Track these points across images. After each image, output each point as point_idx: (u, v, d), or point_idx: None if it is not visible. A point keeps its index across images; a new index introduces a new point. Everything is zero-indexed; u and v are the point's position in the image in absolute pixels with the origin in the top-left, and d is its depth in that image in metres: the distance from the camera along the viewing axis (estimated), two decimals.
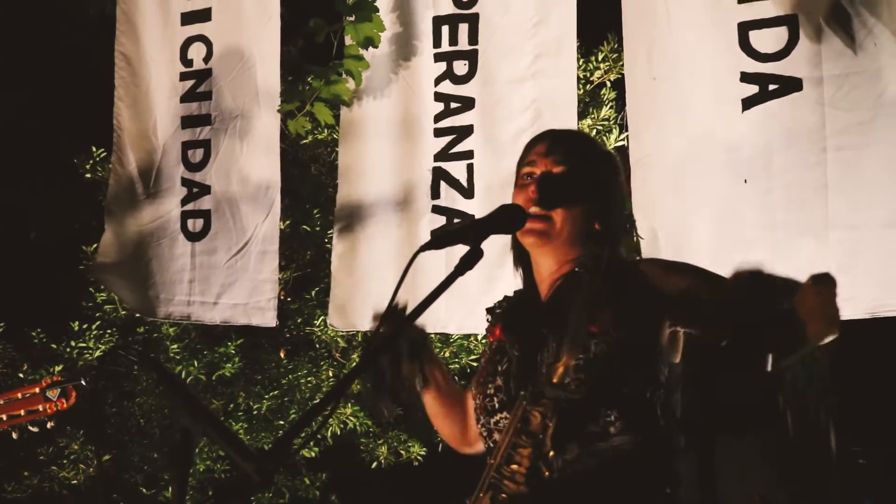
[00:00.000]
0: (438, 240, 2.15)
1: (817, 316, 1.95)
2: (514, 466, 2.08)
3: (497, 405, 2.29)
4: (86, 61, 5.60)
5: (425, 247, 2.11)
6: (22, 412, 2.91)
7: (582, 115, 5.63)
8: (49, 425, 2.98)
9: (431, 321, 3.60)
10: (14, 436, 3.08)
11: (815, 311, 1.94)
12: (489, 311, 2.58)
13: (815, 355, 1.91)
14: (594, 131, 5.45)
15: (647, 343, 2.19)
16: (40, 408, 2.91)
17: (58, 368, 5.54)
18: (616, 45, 5.34)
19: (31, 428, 2.99)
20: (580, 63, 5.71)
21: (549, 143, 2.40)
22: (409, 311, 2.16)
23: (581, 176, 2.35)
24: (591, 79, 5.64)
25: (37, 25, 6.07)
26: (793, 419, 2.23)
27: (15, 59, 6.09)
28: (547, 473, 2.07)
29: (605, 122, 5.40)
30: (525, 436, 2.10)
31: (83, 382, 3.02)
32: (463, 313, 3.66)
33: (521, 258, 2.45)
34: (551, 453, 2.08)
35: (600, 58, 5.46)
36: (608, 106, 5.36)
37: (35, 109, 6.01)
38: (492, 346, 2.44)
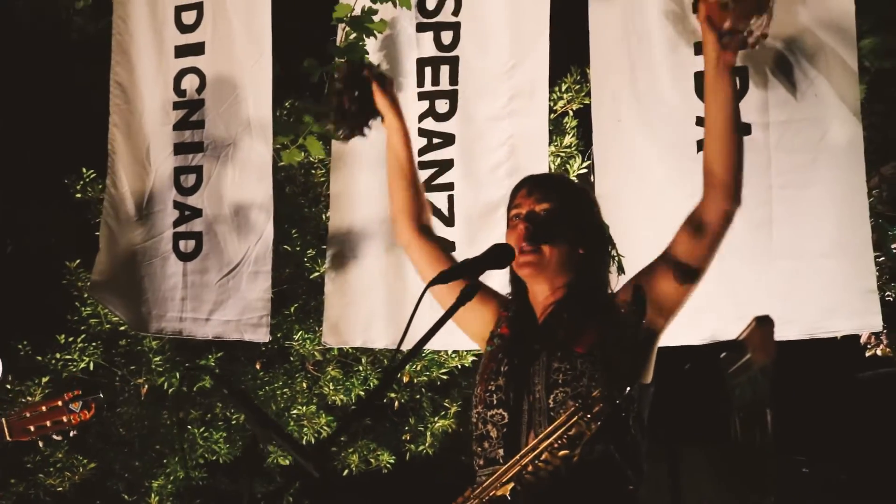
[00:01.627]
0: (442, 276, 2.47)
1: (760, 347, 2.36)
2: (545, 465, 2.41)
3: (495, 402, 2.63)
4: (70, 83, 5.83)
5: (433, 282, 2.44)
6: (48, 423, 3.14)
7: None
8: (72, 434, 3.24)
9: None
10: (41, 444, 3.34)
11: (757, 343, 2.36)
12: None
13: (757, 377, 2.32)
14: (558, 158, 5.81)
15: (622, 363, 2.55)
16: (64, 419, 3.15)
17: (44, 380, 5.76)
18: (578, 76, 5.70)
19: (55, 437, 3.24)
20: None
21: (529, 186, 2.77)
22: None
23: (562, 211, 2.71)
24: (555, 108, 5.99)
25: (19, 47, 6.28)
26: (738, 431, 2.59)
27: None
28: (562, 472, 2.41)
29: (568, 149, 5.76)
30: (566, 439, 2.41)
31: (101, 395, 3.27)
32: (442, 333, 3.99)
33: (516, 284, 2.79)
34: (576, 457, 2.40)
35: (563, 88, 5.81)
36: (570, 134, 5.71)
37: (23, 129, 6.22)
38: (498, 339, 2.76)
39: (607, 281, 2.78)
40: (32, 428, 3.15)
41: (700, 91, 3.63)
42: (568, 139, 5.74)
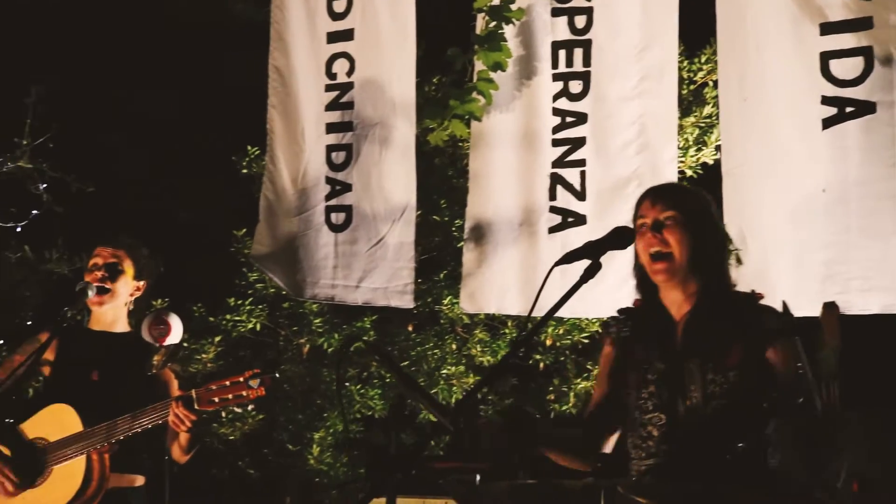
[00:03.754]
0: (567, 256, 2.70)
1: (831, 329, 2.55)
2: None
3: (651, 407, 2.88)
4: (241, 69, 6.25)
5: (558, 262, 2.67)
6: (230, 396, 3.49)
7: (686, 113, 6.08)
8: (250, 408, 3.59)
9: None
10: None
11: (828, 325, 2.55)
12: (614, 320, 3.10)
13: (829, 355, 2.53)
14: (697, 129, 5.90)
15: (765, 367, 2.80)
16: (243, 394, 3.47)
17: (217, 339, 6.25)
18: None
19: (236, 409, 3.60)
20: (684, 64, 6.16)
21: (652, 196, 2.97)
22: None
23: (685, 217, 2.90)
24: (695, 79, 6.06)
25: (189, 36, 6.74)
26: (817, 403, 2.78)
27: (171, 66, 6.79)
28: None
29: (708, 119, 5.83)
30: None
31: (276, 375, 3.60)
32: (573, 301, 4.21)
33: (645, 288, 3.00)
34: None
35: (703, 59, 5.87)
36: (711, 104, 5.77)
37: (195, 111, 6.71)
38: (626, 351, 3.00)
39: (731, 278, 2.97)
40: (217, 399, 3.48)
41: (825, 71, 3.74)
42: (708, 109, 5.80)
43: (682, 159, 5.83)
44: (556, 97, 4.36)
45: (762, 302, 2.89)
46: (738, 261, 3.41)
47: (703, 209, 2.98)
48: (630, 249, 2.97)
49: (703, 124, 5.84)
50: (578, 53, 4.30)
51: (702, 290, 2.91)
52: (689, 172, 5.88)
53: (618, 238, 2.77)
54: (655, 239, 2.89)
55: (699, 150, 5.83)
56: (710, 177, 4.07)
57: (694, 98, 6.03)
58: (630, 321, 3.04)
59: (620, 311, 3.07)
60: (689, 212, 2.92)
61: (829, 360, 2.49)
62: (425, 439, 2.57)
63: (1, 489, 3.59)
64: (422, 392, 2.62)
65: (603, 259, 2.66)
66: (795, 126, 3.80)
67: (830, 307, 2.62)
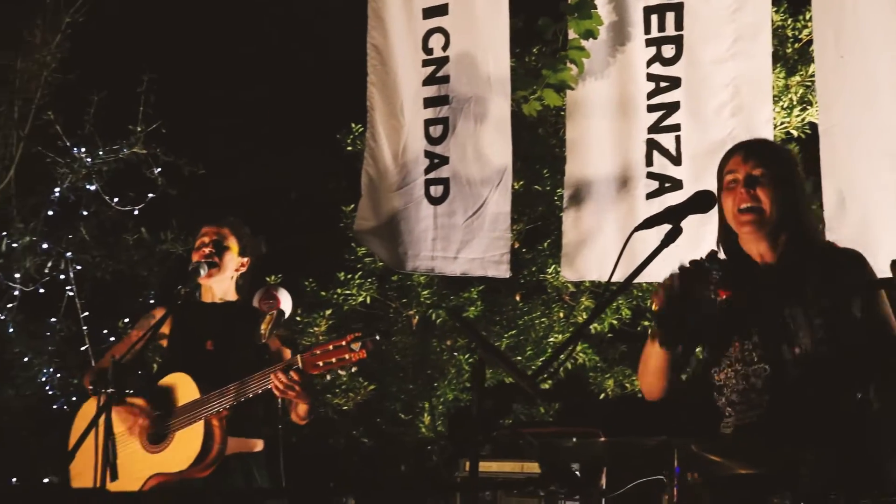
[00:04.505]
0: (648, 221, 2.72)
1: None
2: None
3: (756, 358, 2.85)
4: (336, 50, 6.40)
5: (638, 227, 2.69)
6: (333, 360, 3.62)
7: (791, 73, 5.98)
8: (353, 370, 3.72)
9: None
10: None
11: None
12: (699, 265, 3.07)
13: None
14: (802, 88, 5.80)
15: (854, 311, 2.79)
16: (346, 357, 3.60)
17: (328, 312, 6.46)
18: None
19: (340, 372, 3.73)
20: (788, 22, 6.05)
21: (743, 152, 2.95)
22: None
23: (775, 173, 2.89)
24: (800, 37, 5.96)
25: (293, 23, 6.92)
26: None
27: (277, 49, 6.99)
28: None
29: (813, 79, 5.71)
30: None
31: (377, 337, 3.72)
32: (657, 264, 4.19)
33: (727, 237, 2.98)
34: None
35: (807, 17, 5.77)
36: None
37: (300, 91, 6.89)
38: (722, 302, 2.96)
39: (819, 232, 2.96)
40: (321, 363, 3.61)
41: None
42: (813, 68, 5.68)
43: (787, 120, 5.75)
44: (649, 62, 4.33)
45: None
46: (820, 221, 3.37)
47: (792, 166, 2.95)
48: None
49: (808, 83, 5.74)
50: (670, 17, 4.27)
51: (790, 241, 2.88)
52: (794, 133, 5.80)
53: (700, 202, 2.77)
54: (748, 195, 2.87)
55: (804, 109, 5.74)
56: (816, 137, 4.00)
57: (799, 57, 5.93)
58: (718, 266, 2.99)
59: (707, 256, 2.97)
60: (780, 168, 2.90)
61: None
62: (507, 403, 2.64)
63: (138, 439, 3.80)
64: (502, 357, 2.69)
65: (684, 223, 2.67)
66: (893, 84, 3.71)
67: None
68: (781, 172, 2.91)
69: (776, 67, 5.76)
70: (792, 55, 5.96)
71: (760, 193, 2.87)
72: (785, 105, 5.74)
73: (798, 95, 5.67)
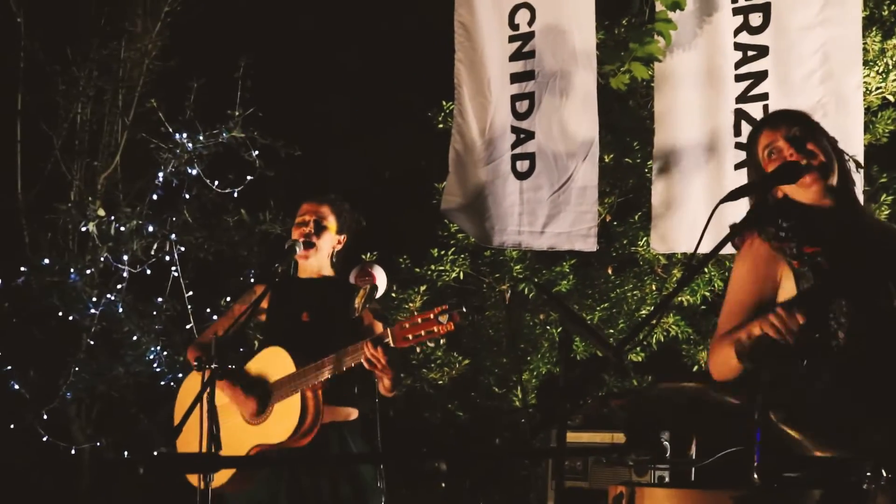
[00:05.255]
0: (734, 193, 2.71)
1: None
2: None
3: (844, 320, 2.67)
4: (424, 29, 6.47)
5: (724, 200, 2.70)
6: (422, 333, 3.71)
7: (888, 35, 5.84)
8: (441, 342, 3.80)
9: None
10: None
11: None
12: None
13: None
14: None
15: None
16: (434, 329, 3.69)
17: (422, 288, 6.56)
18: None
19: (429, 344, 3.81)
20: None
21: (771, 123, 2.90)
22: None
23: (806, 125, 2.86)
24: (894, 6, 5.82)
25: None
26: None
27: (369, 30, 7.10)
28: None
29: None
30: None
31: (464, 309, 3.79)
32: None
33: (791, 209, 2.83)
34: None
35: None
36: None
37: (393, 68, 6.99)
38: (808, 258, 2.74)
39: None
40: (410, 336, 3.71)
41: None
42: None
43: (883, 84, 5.64)
44: (736, 31, 4.31)
45: None
46: (858, 165, 3.26)
47: (808, 117, 2.93)
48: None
49: None
50: None
51: (836, 196, 2.81)
52: (891, 98, 5.68)
53: (786, 173, 2.77)
54: (799, 154, 2.79)
55: None
56: None
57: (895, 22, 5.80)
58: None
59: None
60: (808, 122, 2.89)
61: None
62: (598, 375, 2.70)
63: (239, 411, 3.96)
64: (587, 327, 2.75)
65: None
66: None
67: None
68: (811, 124, 2.88)
69: (872, 30, 5.65)
70: (888, 17, 5.83)
71: (811, 147, 2.81)
72: (880, 70, 5.62)
73: (894, 60, 5.55)
